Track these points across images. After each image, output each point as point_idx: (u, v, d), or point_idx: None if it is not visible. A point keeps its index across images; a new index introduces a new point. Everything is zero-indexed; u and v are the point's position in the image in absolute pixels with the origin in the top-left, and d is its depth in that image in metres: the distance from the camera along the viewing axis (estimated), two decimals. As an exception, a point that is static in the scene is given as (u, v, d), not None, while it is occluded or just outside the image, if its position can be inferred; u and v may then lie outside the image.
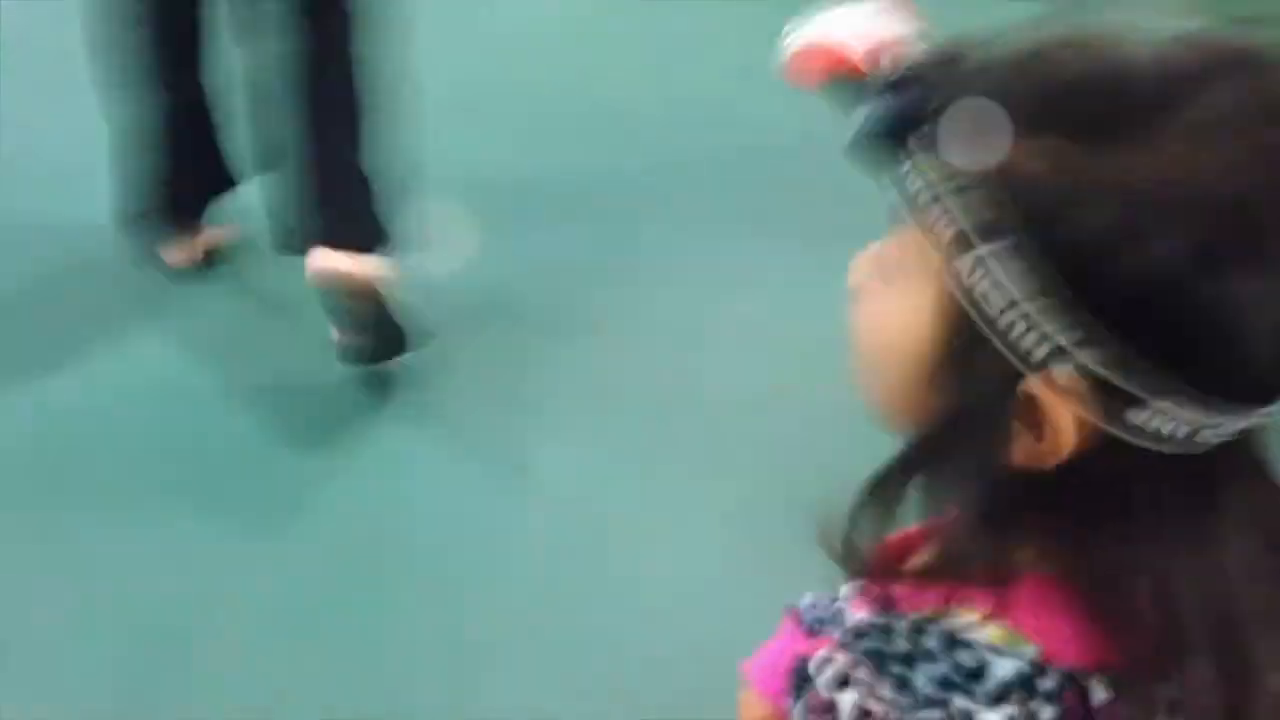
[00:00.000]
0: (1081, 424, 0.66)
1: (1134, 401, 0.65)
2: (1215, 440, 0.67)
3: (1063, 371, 0.65)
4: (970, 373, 0.68)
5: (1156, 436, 0.66)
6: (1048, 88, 0.66)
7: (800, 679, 0.71)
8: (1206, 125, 0.64)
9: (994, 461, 0.68)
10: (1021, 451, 0.68)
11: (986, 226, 0.65)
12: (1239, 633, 0.69)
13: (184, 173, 2.78)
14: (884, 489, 0.72)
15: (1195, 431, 0.66)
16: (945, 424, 0.69)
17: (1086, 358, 0.65)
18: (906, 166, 0.69)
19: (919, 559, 0.74)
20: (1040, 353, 0.65)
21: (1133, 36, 0.68)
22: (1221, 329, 0.63)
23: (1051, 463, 0.67)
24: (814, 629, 0.78)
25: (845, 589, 0.79)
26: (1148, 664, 0.68)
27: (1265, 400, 0.67)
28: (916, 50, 0.71)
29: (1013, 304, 0.65)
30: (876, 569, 0.74)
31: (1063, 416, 0.66)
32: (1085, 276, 0.63)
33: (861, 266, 0.75)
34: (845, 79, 0.72)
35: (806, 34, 0.72)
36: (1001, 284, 0.65)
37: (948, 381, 0.69)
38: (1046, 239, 0.64)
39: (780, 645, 0.78)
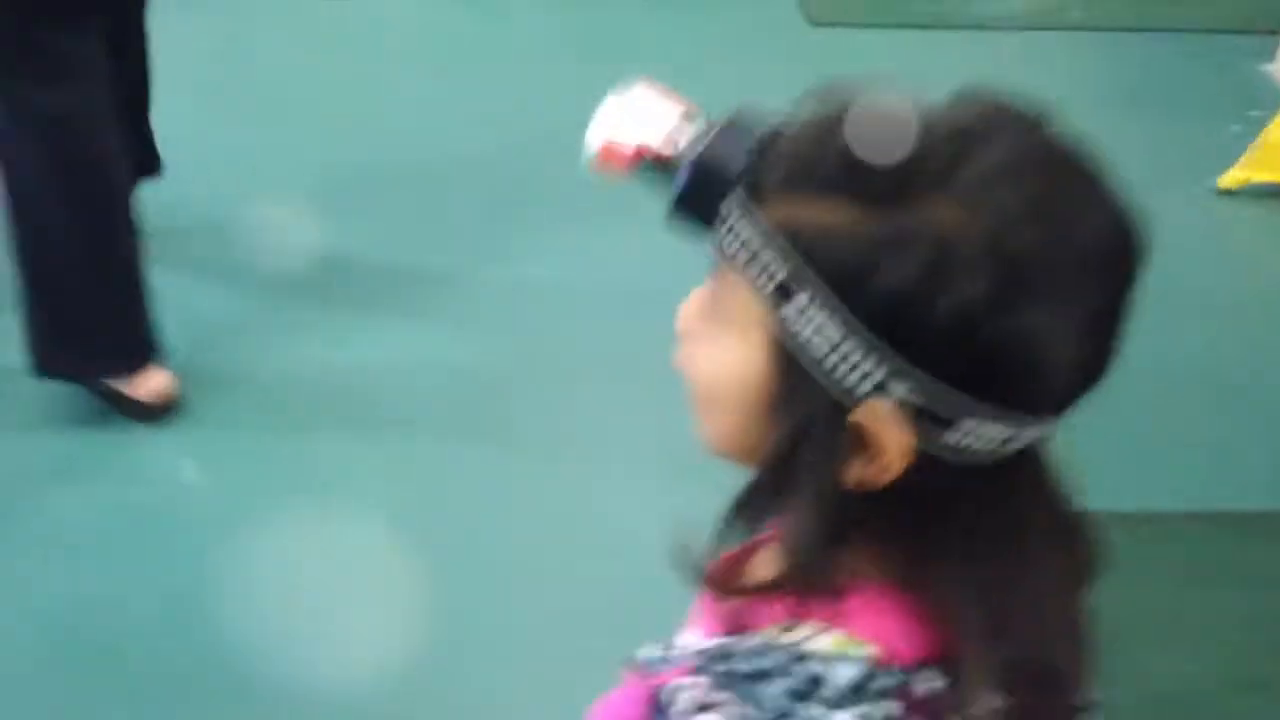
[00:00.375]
0: (905, 446, 0.74)
1: (946, 424, 0.73)
2: (1021, 445, 0.76)
3: (882, 402, 0.73)
4: (800, 408, 0.75)
5: (969, 452, 0.74)
6: (842, 151, 0.73)
7: (656, 710, 0.77)
8: (985, 181, 0.72)
9: (830, 485, 0.75)
10: (855, 474, 0.75)
11: (800, 279, 0.72)
12: (1036, 628, 0.78)
13: None
14: (739, 515, 0.80)
15: (1003, 442, 0.75)
16: (782, 454, 0.76)
17: (901, 390, 0.73)
18: (723, 229, 0.76)
19: (757, 571, 0.81)
20: (863, 387, 0.73)
21: (917, 97, 0.76)
22: (1017, 357, 0.72)
23: (882, 482, 0.75)
24: (653, 672, 0.83)
25: (681, 639, 0.86)
26: (970, 653, 0.76)
27: (1059, 410, 0.77)
28: (707, 127, 0.76)
29: (834, 347, 0.72)
30: (721, 582, 0.81)
31: (888, 441, 0.74)
32: (891, 320, 0.71)
33: (689, 312, 0.82)
34: (650, 164, 0.77)
35: (601, 133, 0.79)
36: (822, 328, 0.72)
37: (781, 416, 0.76)
38: (853, 289, 0.71)
39: (624, 693, 0.84)
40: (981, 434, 0.74)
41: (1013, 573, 0.78)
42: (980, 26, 4.19)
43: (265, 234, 2.96)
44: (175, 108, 2.98)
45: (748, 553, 0.83)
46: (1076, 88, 3.85)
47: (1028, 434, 0.76)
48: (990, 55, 3.96)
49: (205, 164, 3.14)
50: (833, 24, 4.13)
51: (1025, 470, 0.79)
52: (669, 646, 0.82)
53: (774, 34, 4.07)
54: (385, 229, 3.19)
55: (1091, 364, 0.76)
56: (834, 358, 0.73)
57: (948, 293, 0.70)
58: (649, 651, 0.85)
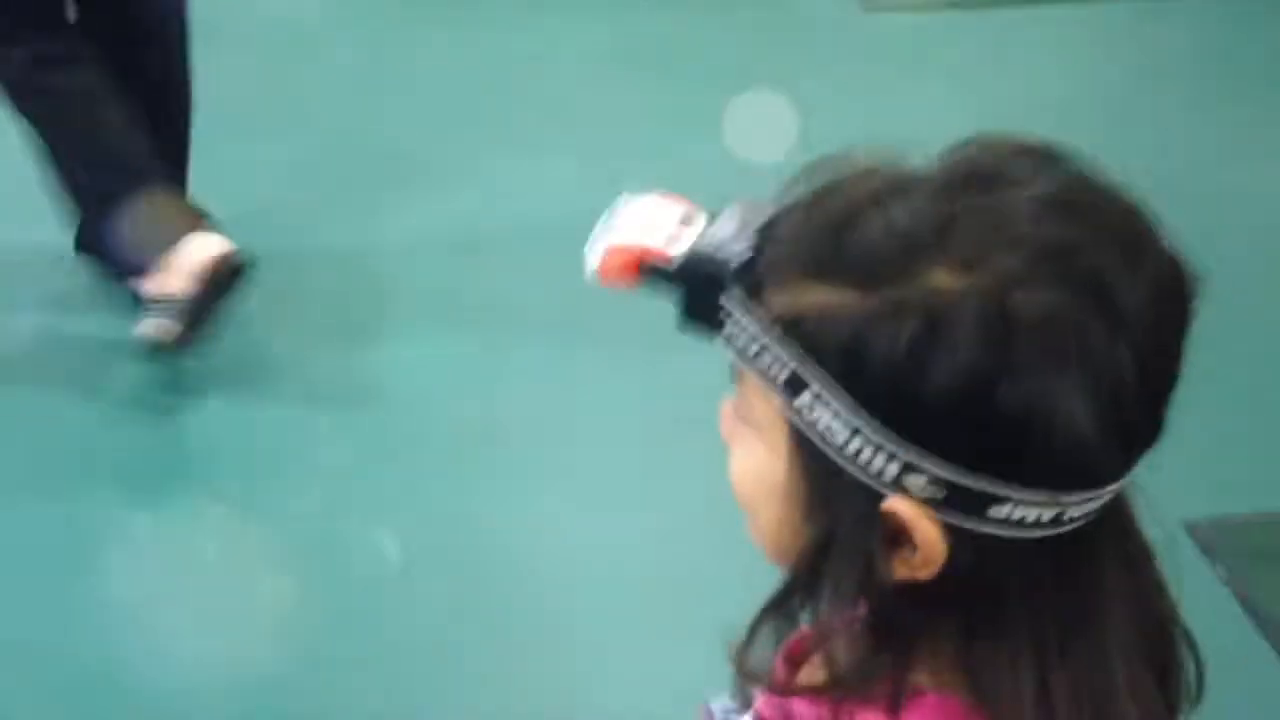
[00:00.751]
0: (947, 530, 0.69)
1: (992, 499, 0.67)
2: (1081, 517, 0.70)
3: (916, 483, 0.68)
4: (833, 500, 0.71)
5: (1023, 524, 0.68)
6: (833, 235, 0.70)
7: None
8: (983, 238, 0.67)
9: (873, 580, 0.70)
10: (899, 567, 0.70)
11: (807, 370, 0.69)
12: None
13: None
14: (775, 614, 0.76)
15: (1059, 515, 0.69)
16: (819, 550, 0.72)
17: (933, 467, 0.67)
18: (729, 326, 0.72)
19: (812, 669, 0.77)
20: (891, 470, 0.68)
21: (906, 159, 0.72)
22: (1030, 430, 0.66)
23: (927, 573, 0.70)
24: None
25: (758, 702, 0.83)
26: None
27: (1102, 482, 0.70)
28: (706, 229, 0.75)
29: (855, 431, 0.68)
30: (776, 684, 0.78)
31: (928, 526, 0.69)
32: (893, 402, 0.67)
33: (727, 417, 0.79)
34: (654, 271, 0.74)
35: (604, 243, 0.76)
36: (840, 414, 0.69)
37: (814, 512, 0.72)
38: (854, 373, 0.68)
39: None
40: (1030, 504, 0.68)
41: (1080, 666, 0.72)
42: (1041, 1, 4.06)
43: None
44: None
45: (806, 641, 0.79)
46: (1154, 60, 3.75)
47: (1083, 505, 0.69)
48: (1055, 34, 3.85)
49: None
50: (887, 9, 4.03)
51: (1097, 538, 0.72)
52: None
53: (829, 22, 3.98)
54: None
55: (1135, 429, 0.70)
56: (856, 441, 0.69)
57: (940, 362, 0.66)
58: (724, 709, 0.87)
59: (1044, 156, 0.71)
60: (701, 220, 0.75)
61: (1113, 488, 0.70)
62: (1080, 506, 0.69)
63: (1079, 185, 0.71)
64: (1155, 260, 0.70)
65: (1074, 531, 0.70)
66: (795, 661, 0.79)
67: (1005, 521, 0.68)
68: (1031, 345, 0.66)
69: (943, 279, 0.67)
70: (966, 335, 0.66)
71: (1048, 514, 0.68)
